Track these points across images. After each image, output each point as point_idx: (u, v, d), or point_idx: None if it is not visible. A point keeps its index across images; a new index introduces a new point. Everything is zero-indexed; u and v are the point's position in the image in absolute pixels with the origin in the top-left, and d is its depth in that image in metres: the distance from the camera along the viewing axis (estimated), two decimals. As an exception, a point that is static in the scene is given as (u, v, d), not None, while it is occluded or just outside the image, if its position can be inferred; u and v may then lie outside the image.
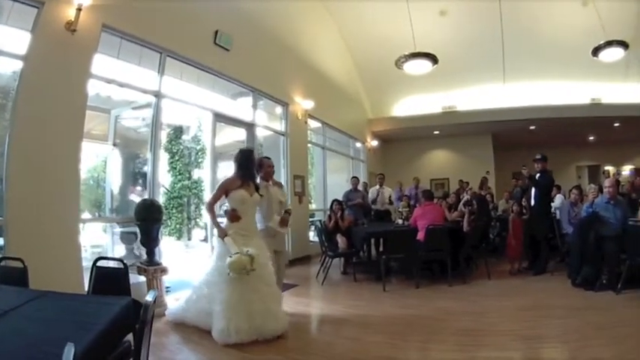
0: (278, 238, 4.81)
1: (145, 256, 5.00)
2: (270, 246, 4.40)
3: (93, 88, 4.91)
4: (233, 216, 4.21)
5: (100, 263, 3.08)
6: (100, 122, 6.96)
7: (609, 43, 8.30)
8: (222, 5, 6.78)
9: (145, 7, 5.33)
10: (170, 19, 5.77)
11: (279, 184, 5.05)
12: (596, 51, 8.50)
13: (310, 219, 10.02)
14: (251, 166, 4.42)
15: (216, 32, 6.55)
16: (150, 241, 4.94)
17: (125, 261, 3.06)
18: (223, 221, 4.35)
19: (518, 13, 10.34)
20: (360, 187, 9.73)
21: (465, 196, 8.25)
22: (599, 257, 5.52)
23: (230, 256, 3.83)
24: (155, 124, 5.69)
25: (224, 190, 4.28)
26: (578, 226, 5.99)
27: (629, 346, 3.51)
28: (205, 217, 9.00)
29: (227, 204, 4.44)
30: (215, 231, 4.38)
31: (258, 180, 4.56)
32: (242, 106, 7.70)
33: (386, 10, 10.32)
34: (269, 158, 5.02)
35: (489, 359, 3.50)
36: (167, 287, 5.61)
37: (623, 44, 8.27)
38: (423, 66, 8.78)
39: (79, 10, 4.33)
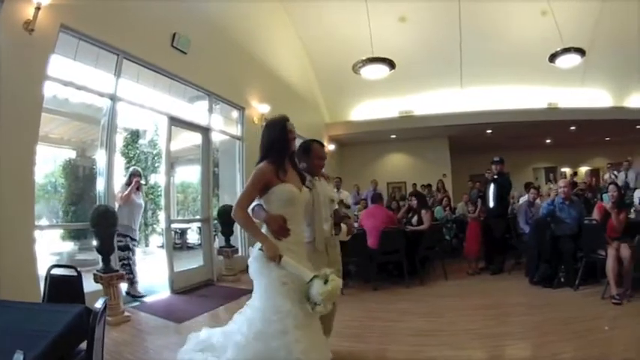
0: (332, 255, 3.39)
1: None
2: (320, 267, 2.86)
3: (49, 89, 4.94)
4: (283, 229, 2.79)
5: (55, 271, 3.06)
6: (57, 125, 6.90)
7: (566, 50, 8.75)
8: (181, 8, 6.87)
9: (103, 8, 5.39)
10: (128, 20, 5.84)
11: (325, 177, 3.59)
12: (553, 57, 8.96)
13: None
14: (288, 144, 3.03)
15: (174, 35, 6.64)
16: (105, 248, 4.93)
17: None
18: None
19: (477, 19, 10.82)
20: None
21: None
22: (556, 255, 5.93)
23: (320, 280, 2.61)
24: (110, 127, 5.68)
25: (263, 183, 2.82)
26: (535, 226, 6.43)
27: (588, 340, 3.78)
28: (163, 222, 7.23)
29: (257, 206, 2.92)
30: (244, 242, 3.47)
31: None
32: (198, 110, 7.77)
33: (345, 14, 10.58)
34: (322, 144, 3.64)
35: (448, 358, 3.66)
36: (126, 294, 5.72)
37: (580, 51, 8.75)
38: (380, 71, 9.13)
39: (37, 9, 4.38)
